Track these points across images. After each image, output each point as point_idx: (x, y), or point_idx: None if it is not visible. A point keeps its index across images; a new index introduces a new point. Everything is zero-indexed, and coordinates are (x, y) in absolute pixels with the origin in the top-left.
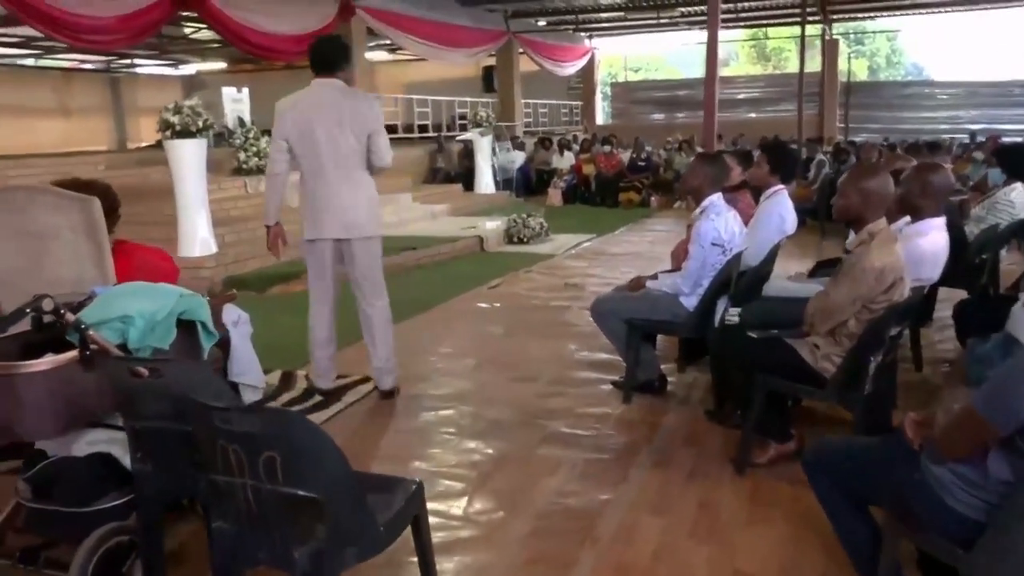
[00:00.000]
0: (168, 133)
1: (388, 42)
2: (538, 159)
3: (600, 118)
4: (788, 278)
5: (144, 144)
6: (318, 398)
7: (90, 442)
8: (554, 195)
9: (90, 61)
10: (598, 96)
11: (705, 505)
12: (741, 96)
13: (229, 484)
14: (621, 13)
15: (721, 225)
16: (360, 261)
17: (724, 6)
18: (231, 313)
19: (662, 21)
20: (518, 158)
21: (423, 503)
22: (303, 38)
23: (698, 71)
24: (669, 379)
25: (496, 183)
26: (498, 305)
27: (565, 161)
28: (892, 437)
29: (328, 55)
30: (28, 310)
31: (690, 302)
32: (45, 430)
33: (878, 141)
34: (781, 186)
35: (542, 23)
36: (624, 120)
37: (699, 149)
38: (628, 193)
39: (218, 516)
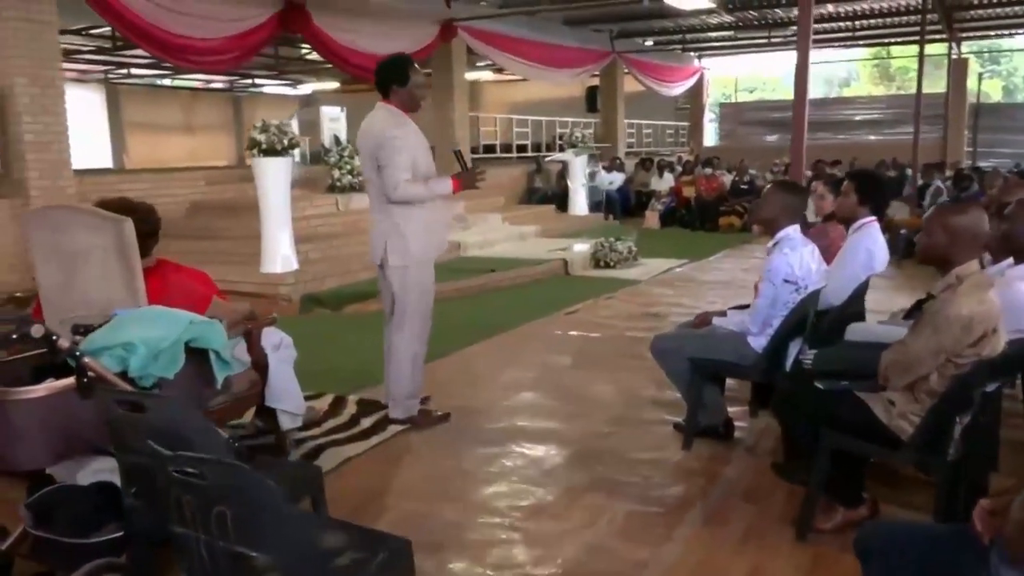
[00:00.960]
0: (255, 151)
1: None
2: (638, 180)
3: (708, 139)
4: (880, 321)
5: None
6: (364, 425)
7: (96, 470)
8: (651, 217)
9: (216, 81)
10: (706, 117)
11: (756, 574)
12: (859, 118)
13: (185, 536)
14: (731, 32)
15: (795, 260)
16: (384, 287)
17: (841, 24)
18: (272, 337)
19: (774, 40)
20: (616, 179)
21: (408, 566)
22: None
23: (815, 91)
24: (738, 424)
25: (589, 204)
26: (572, 333)
27: (664, 183)
28: (963, 527)
29: (379, 79)
30: (13, 335)
31: (758, 343)
32: (37, 459)
33: (1009, 167)
34: (871, 218)
35: (649, 43)
36: (733, 141)
37: (808, 173)
38: (729, 217)
39: (182, 568)
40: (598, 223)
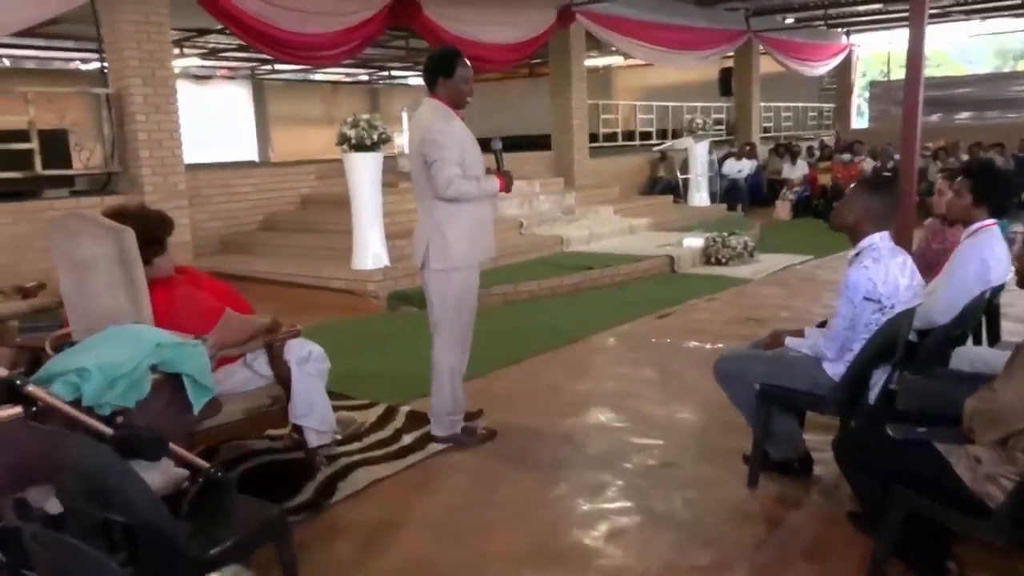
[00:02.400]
0: (345, 147)
1: None
2: (771, 168)
3: (858, 121)
4: (994, 346)
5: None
6: (405, 442)
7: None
8: (782, 208)
9: (354, 74)
10: (855, 97)
11: None
12: None
13: None
14: (880, 5)
15: (879, 275)
16: (425, 293)
17: None
18: (301, 349)
19: (931, 11)
20: (746, 167)
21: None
22: (519, 47)
23: (986, 66)
24: (820, 457)
25: (711, 194)
26: (659, 340)
27: (797, 171)
28: None
29: (427, 72)
30: None
31: (835, 370)
32: None
33: None
34: (990, 221)
35: (789, 20)
36: (885, 123)
37: (964, 157)
38: None
39: None
40: (719, 215)
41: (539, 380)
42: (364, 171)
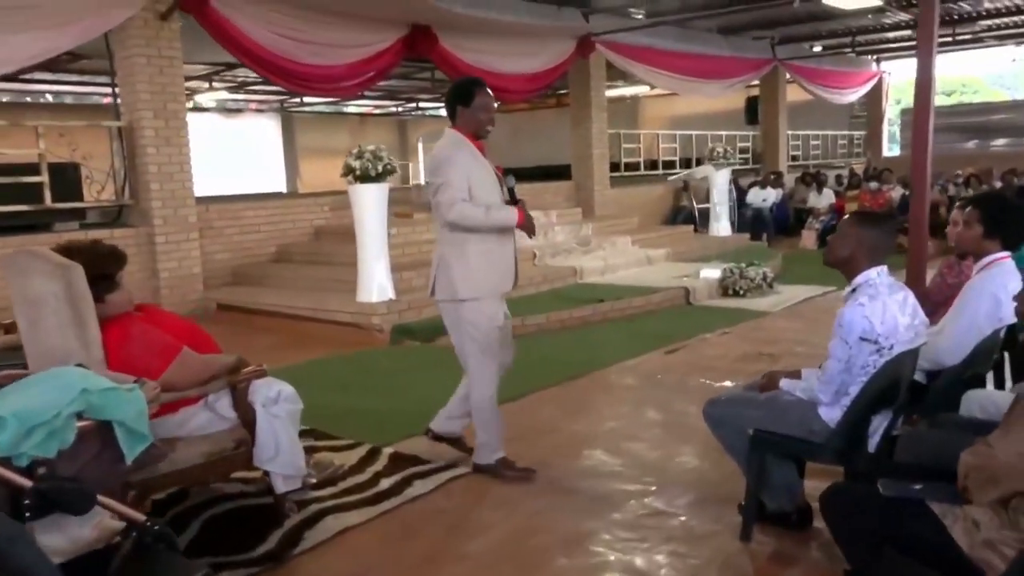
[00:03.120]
0: (351, 178)
1: None
2: (797, 197)
3: (888, 149)
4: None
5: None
6: (382, 487)
7: None
8: (807, 237)
9: (382, 106)
10: (885, 125)
11: None
12: None
13: None
14: (909, 32)
15: (876, 313)
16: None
17: None
18: (268, 389)
19: (960, 37)
20: (770, 196)
21: None
22: (538, 76)
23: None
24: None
25: (732, 224)
26: (662, 378)
27: (823, 199)
28: None
29: (447, 102)
30: None
31: (831, 415)
32: None
33: None
34: (1003, 254)
35: (816, 48)
36: None
37: (998, 184)
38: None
39: None
40: (741, 245)
41: (535, 419)
42: (369, 202)
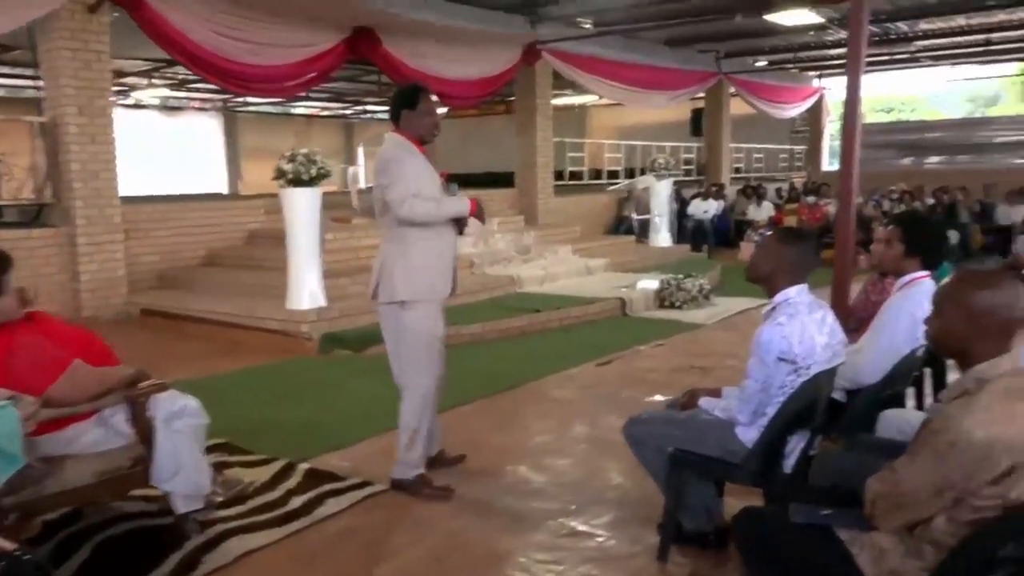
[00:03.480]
0: (283, 181)
1: None
2: (738, 209)
3: (828, 164)
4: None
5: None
6: (293, 506)
7: None
8: (746, 249)
9: (329, 108)
10: (826, 140)
11: None
12: (999, 140)
13: None
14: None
15: (794, 332)
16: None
17: (977, 37)
18: (170, 404)
19: (897, 56)
20: (712, 207)
21: None
22: (483, 83)
23: (960, 110)
24: None
25: (673, 234)
26: (593, 390)
27: (763, 212)
28: None
29: (391, 107)
30: None
31: (748, 435)
32: None
33: None
34: (923, 274)
35: (760, 63)
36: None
37: (930, 201)
38: (831, 251)
39: None
40: (682, 256)
41: (460, 434)
42: (301, 207)
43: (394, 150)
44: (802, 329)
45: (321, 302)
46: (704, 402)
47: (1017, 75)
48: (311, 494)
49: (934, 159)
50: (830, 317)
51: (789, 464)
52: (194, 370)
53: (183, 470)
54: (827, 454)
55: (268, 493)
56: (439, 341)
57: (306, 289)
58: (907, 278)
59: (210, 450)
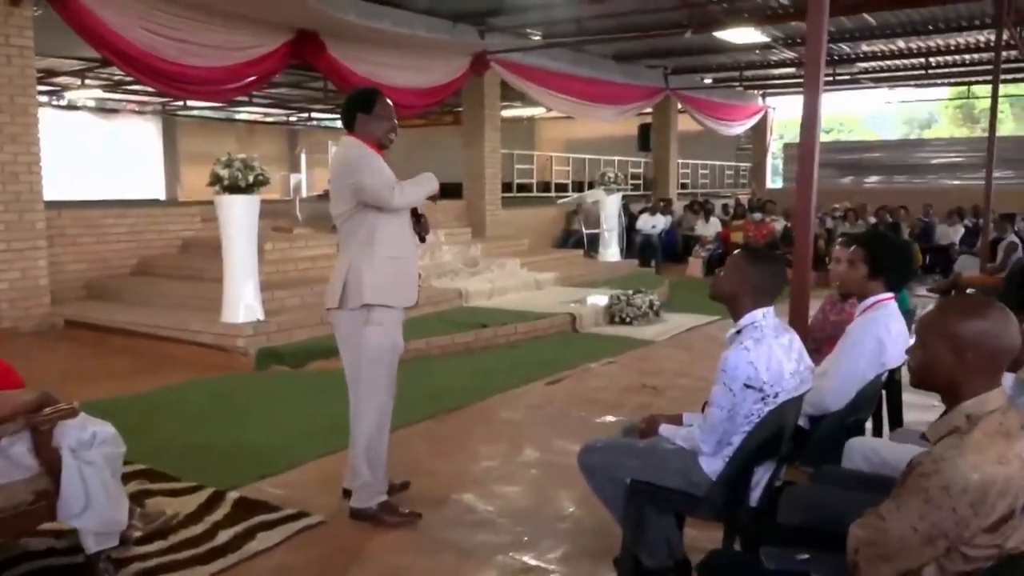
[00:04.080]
0: (218, 188)
1: None
2: (686, 224)
3: (772, 181)
4: (893, 434)
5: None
6: (219, 540)
7: None
8: (694, 265)
9: (272, 115)
10: (769, 158)
11: None
12: (936, 161)
13: None
14: (793, 69)
15: (761, 358)
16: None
17: (914, 61)
18: (80, 432)
19: (840, 78)
20: (660, 222)
21: None
22: (430, 92)
23: (896, 132)
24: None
25: (621, 249)
26: (542, 410)
27: (710, 228)
28: None
29: (345, 111)
30: None
31: (712, 467)
32: None
33: None
34: (886, 295)
35: (707, 80)
36: None
37: (872, 219)
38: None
39: None
40: (631, 271)
41: (402, 458)
42: (238, 215)
43: (358, 149)
44: (769, 354)
45: (258, 315)
46: (664, 430)
47: (951, 99)
48: (240, 527)
49: (873, 178)
50: (797, 342)
51: (755, 497)
52: (118, 387)
53: (94, 504)
54: (797, 489)
55: (193, 526)
56: (396, 361)
57: (242, 301)
58: (870, 300)
59: (130, 478)
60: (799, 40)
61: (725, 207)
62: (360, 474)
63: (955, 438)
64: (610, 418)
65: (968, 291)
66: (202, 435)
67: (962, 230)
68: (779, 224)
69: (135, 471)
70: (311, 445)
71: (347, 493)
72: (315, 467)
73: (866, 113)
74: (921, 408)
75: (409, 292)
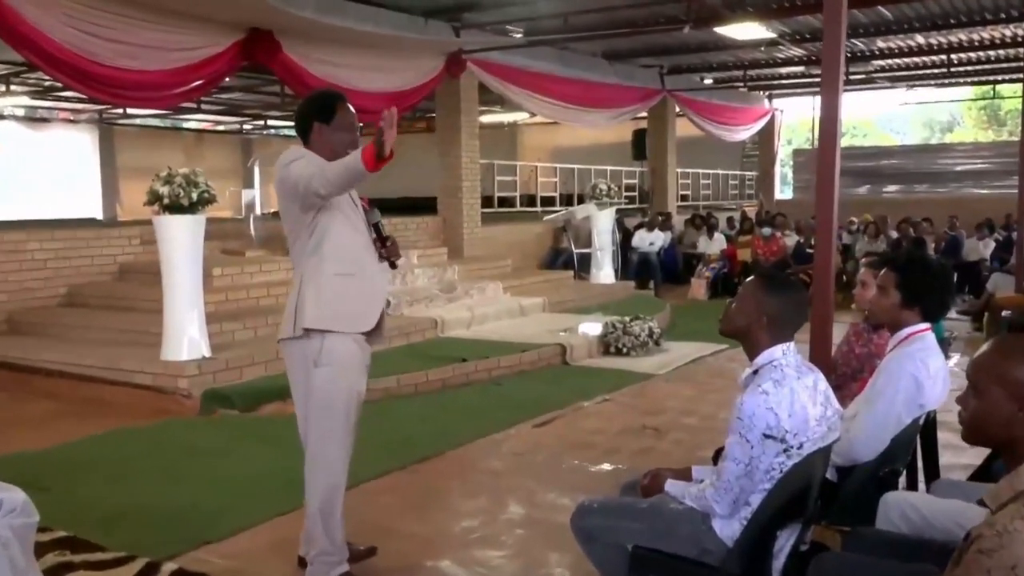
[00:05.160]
0: (157, 207)
1: None
2: (687, 241)
3: (781, 191)
4: (933, 487)
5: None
6: None
7: None
8: (697, 286)
9: (223, 122)
10: (778, 165)
11: None
12: (960, 168)
13: None
14: (802, 68)
15: (782, 403)
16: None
17: (936, 58)
18: None
19: (854, 77)
20: (658, 239)
21: None
22: (400, 96)
23: (914, 137)
24: None
25: (616, 270)
26: (529, 459)
27: (714, 245)
28: None
29: (297, 120)
30: None
31: (728, 531)
32: None
33: None
34: (923, 326)
35: (708, 80)
36: (810, 195)
37: (893, 234)
38: None
39: None
40: (627, 294)
41: (366, 518)
42: (180, 237)
43: (299, 151)
44: (791, 398)
45: (203, 352)
46: (671, 487)
47: (974, 99)
48: None
49: (892, 188)
50: (823, 383)
51: (778, 566)
52: (40, 438)
53: None
54: (825, 556)
55: None
56: (358, 399)
57: (185, 336)
58: (904, 332)
59: (46, 548)
60: (808, 36)
61: (730, 221)
62: (316, 541)
63: (1020, 506)
64: (606, 466)
65: (1004, 313)
66: (134, 494)
67: (992, 244)
68: (790, 240)
69: (53, 539)
70: (262, 504)
71: (303, 562)
72: (267, 530)
73: (881, 115)
74: (955, 449)
75: (364, 315)
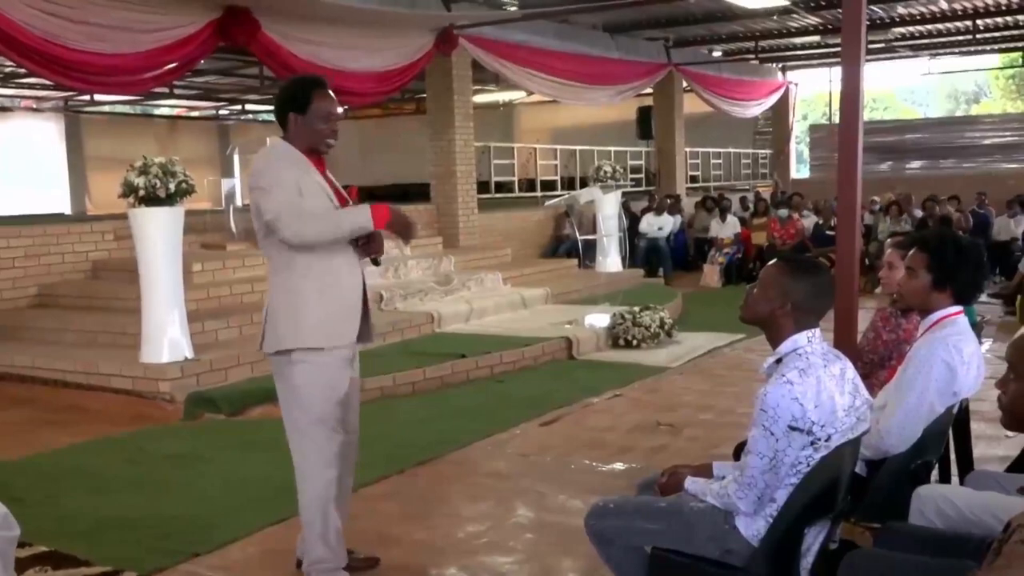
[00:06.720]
0: (132, 199)
1: None
2: (698, 225)
3: (797, 170)
4: (968, 479)
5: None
6: None
7: None
8: (710, 273)
9: (198, 108)
10: (793, 142)
11: None
12: (988, 141)
13: None
14: (817, 38)
15: (807, 393)
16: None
17: (961, 24)
18: None
19: (873, 46)
20: (667, 224)
21: None
22: (388, 76)
23: (938, 109)
24: None
25: (623, 257)
26: (536, 459)
27: (728, 228)
28: None
29: (277, 107)
30: None
31: (752, 529)
32: None
33: None
34: (955, 309)
35: (716, 53)
36: (828, 173)
37: (918, 213)
38: None
39: None
40: (634, 283)
41: (365, 525)
42: (157, 231)
43: (272, 154)
44: (818, 388)
45: (186, 353)
46: (692, 485)
47: (1002, 68)
48: None
49: (915, 164)
50: (850, 371)
51: (806, 564)
52: (13, 447)
53: None
54: (857, 553)
55: None
56: (340, 405)
57: (166, 336)
58: (935, 316)
59: (27, 564)
60: (823, 3)
61: (744, 202)
62: (313, 548)
63: None
64: (619, 465)
65: None
66: (117, 505)
67: None
68: (809, 221)
69: (34, 555)
70: (253, 513)
71: (301, 564)
72: (259, 540)
73: (901, 87)
74: (988, 440)
75: (344, 328)
